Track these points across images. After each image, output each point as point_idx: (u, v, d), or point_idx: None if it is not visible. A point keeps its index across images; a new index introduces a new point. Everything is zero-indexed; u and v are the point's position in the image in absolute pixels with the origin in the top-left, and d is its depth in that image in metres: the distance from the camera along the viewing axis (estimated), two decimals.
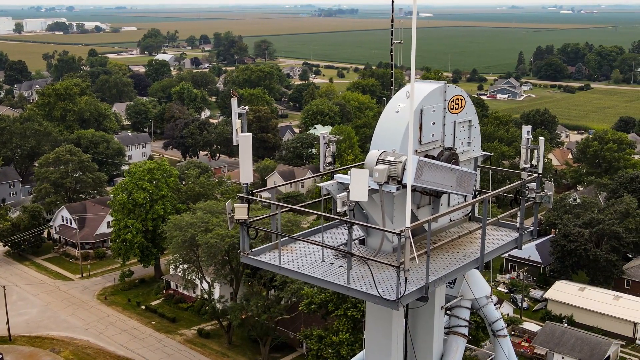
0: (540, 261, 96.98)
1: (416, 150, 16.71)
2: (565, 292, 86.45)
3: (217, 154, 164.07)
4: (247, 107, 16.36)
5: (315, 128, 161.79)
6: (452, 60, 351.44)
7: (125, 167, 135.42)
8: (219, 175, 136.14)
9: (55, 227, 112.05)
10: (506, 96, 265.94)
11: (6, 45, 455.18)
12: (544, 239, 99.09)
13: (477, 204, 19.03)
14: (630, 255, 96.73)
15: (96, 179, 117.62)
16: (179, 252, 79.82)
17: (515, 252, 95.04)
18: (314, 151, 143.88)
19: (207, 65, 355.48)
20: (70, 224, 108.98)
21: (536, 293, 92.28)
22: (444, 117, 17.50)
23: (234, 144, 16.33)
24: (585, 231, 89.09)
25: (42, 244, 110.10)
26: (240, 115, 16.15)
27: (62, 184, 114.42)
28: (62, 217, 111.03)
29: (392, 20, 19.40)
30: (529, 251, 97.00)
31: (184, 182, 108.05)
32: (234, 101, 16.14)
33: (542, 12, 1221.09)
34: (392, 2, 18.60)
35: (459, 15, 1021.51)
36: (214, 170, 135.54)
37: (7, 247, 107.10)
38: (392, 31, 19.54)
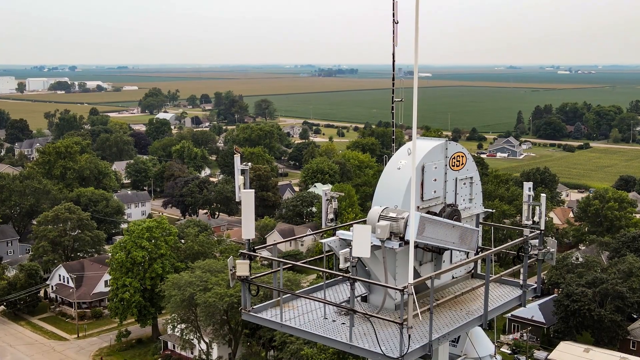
0: (544, 321, 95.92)
1: (418, 207, 16.82)
2: (570, 354, 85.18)
3: (217, 213, 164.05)
4: (250, 163, 16.56)
5: (315, 186, 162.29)
6: (451, 119, 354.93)
7: (124, 226, 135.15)
8: (218, 233, 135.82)
9: (52, 286, 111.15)
10: (506, 155, 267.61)
11: (8, 104, 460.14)
12: (547, 298, 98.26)
13: (479, 261, 19.05)
14: (635, 316, 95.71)
15: (95, 237, 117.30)
16: (177, 312, 78.99)
17: (518, 312, 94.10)
18: (314, 209, 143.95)
19: (207, 124, 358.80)
20: (68, 282, 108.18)
21: (540, 354, 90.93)
22: (446, 173, 17.69)
23: (237, 199, 16.48)
24: (588, 291, 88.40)
25: (39, 303, 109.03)
26: (243, 171, 16.35)
27: (60, 242, 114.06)
28: (60, 275, 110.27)
29: (394, 79, 19.78)
30: (532, 311, 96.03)
31: (183, 241, 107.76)
32: (237, 157, 16.36)
33: (540, 72, 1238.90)
34: (393, 61, 19.01)
35: (458, 75, 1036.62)
36: (213, 229, 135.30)
37: (2, 306, 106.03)
38: (393, 89, 19.91)
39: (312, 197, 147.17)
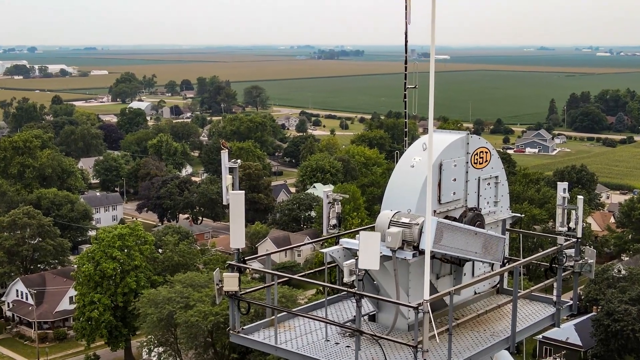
0: (581, 344, 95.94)
1: (435, 211, 16.84)
2: None
3: (200, 218, 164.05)
4: (239, 161, 16.57)
5: (314, 187, 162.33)
6: (473, 109, 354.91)
7: (92, 233, 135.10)
8: (201, 242, 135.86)
9: (8, 303, 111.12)
10: (536, 150, 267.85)
11: None
12: (584, 317, 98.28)
13: (506, 274, 19.07)
14: None
15: (58, 246, 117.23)
16: (153, 333, 78.95)
17: (551, 333, 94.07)
18: (313, 214, 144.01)
19: (189, 114, 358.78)
20: (26, 299, 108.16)
21: None
22: (467, 172, 17.70)
23: (224, 202, 16.51)
24: (632, 308, 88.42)
25: None
26: (231, 170, 16.35)
27: (17, 252, 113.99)
28: (17, 291, 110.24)
29: (406, 62, 19.80)
30: (567, 332, 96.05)
31: (160, 250, 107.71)
32: (224, 154, 16.36)
33: (576, 55, 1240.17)
34: (406, 42, 19.03)
35: (480, 58, 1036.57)
36: (196, 237, 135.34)
37: None
38: (405, 74, 19.94)
39: (311, 199, 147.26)
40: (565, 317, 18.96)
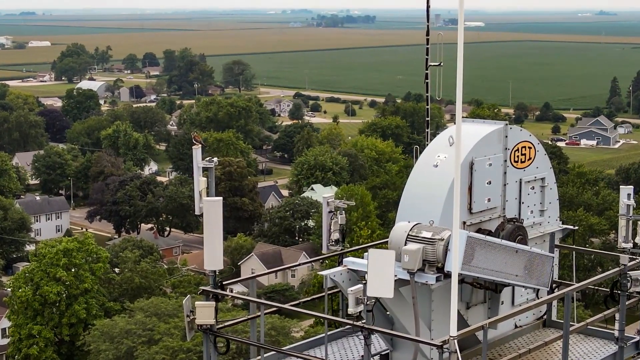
0: None
1: (464, 223, 16.82)
2: None
3: (167, 229, 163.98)
4: (215, 159, 16.53)
5: (312, 190, 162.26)
6: (513, 91, 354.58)
7: (30, 247, 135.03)
8: (169, 259, 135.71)
9: None
10: (594, 142, 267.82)
11: None
12: None
13: (555, 302, 19.04)
14: None
15: None
16: None
17: None
18: (310, 223, 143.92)
19: (153, 97, 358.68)
20: None
21: None
22: (505, 173, 17.70)
23: (196, 212, 16.46)
24: None
25: None
26: (206, 169, 16.32)
27: None
28: None
29: (428, 31, 19.77)
30: None
31: (117, 270, 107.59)
32: (197, 149, 16.32)
33: None
34: (428, 5, 19.02)
35: (523, 25, 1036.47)
36: (163, 252, 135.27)
37: None
38: (427, 47, 19.91)
39: (307, 205, 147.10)
40: (631, 356, 18.90)
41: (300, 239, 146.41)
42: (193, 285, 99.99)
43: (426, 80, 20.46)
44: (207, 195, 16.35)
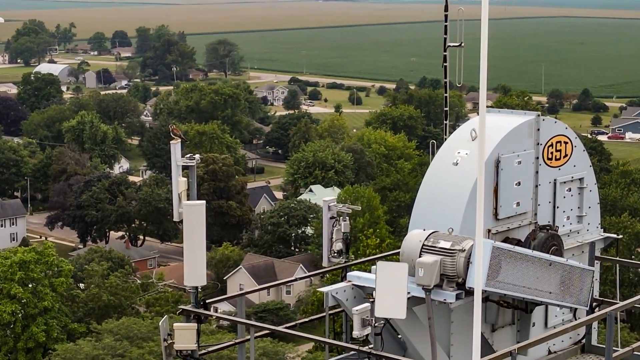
0: None
1: (489, 231, 16.83)
2: None
3: (141, 237, 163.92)
4: (197, 155, 16.53)
5: (311, 191, 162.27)
6: (546, 75, 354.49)
7: None
8: (143, 272, 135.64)
9: None
10: None
11: None
12: None
13: (595, 324, 19.04)
14: None
15: None
16: None
17: None
18: (308, 231, 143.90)
19: (124, 83, 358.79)
20: None
21: None
22: (537, 173, 17.70)
23: (175, 219, 16.47)
24: None
25: None
26: (186, 168, 16.31)
27: None
28: None
29: (447, 8, 19.77)
30: None
31: (82, 286, 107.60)
32: (176, 144, 16.32)
33: None
34: None
35: None
36: (136, 265, 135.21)
37: None
38: (446, 24, 19.93)
39: (305, 209, 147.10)
40: None
41: (297, 250, 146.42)
42: (171, 303, 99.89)
43: (444, 64, 20.47)
44: (188, 199, 16.35)
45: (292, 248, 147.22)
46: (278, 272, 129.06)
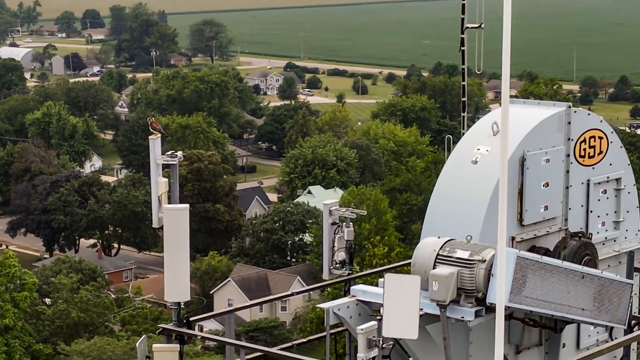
0: None
1: (513, 239, 16.83)
2: None
3: (116, 245, 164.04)
4: (180, 152, 16.53)
5: (310, 193, 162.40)
6: (578, 60, 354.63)
7: None
8: (118, 286, 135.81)
9: None
10: None
11: None
12: None
13: (634, 345, 19.05)
14: None
15: None
16: None
17: None
18: (306, 238, 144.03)
19: (97, 69, 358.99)
20: None
21: None
22: (567, 172, 17.70)
23: (154, 225, 16.48)
24: None
25: None
26: (167, 167, 16.32)
27: None
28: None
29: None
30: None
31: (48, 301, 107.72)
32: (156, 139, 16.32)
33: None
34: None
35: None
36: (109, 277, 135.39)
37: None
38: (463, 4, 19.94)
39: (303, 214, 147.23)
40: None
41: (294, 260, 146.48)
42: (150, 321, 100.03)
43: (462, 47, 20.48)
44: (169, 202, 16.36)
45: (288, 258, 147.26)
46: (272, 285, 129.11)
